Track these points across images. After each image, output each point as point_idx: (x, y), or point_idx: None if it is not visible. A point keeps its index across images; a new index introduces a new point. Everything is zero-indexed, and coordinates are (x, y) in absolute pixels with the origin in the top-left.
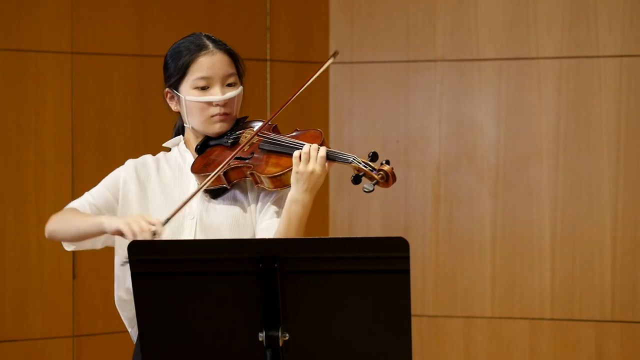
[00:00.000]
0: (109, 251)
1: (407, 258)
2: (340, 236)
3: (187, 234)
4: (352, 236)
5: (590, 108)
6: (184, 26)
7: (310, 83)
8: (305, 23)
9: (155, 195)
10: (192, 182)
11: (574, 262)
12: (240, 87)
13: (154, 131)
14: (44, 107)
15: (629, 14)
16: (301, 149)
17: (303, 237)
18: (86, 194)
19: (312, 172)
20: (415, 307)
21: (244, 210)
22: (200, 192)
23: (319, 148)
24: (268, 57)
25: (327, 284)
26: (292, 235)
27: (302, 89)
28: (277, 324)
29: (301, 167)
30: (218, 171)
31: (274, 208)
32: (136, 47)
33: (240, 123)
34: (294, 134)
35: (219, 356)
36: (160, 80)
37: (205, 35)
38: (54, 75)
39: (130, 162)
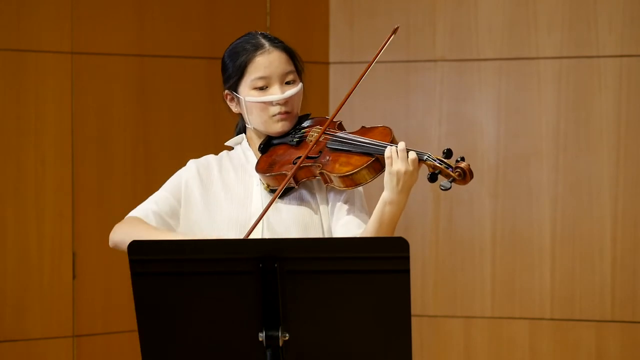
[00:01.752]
0: (109, 251)
1: (407, 258)
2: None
3: (254, 235)
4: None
5: (590, 108)
6: (184, 26)
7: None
8: (305, 23)
9: (219, 195)
10: (255, 181)
11: (574, 262)
12: (300, 84)
13: (154, 131)
14: (44, 107)
15: (629, 14)
16: (374, 147)
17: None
18: (149, 201)
19: (406, 172)
20: (415, 307)
21: (312, 210)
22: (267, 192)
23: (407, 149)
24: None
25: (327, 284)
26: (383, 235)
27: (365, 74)
28: (277, 324)
29: (394, 167)
30: (292, 173)
31: (346, 206)
32: (136, 47)
33: (303, 120)
34: (359, 132)
35: (219, 356)
36: (160, 80)
37: (260, 33)
38: (54, 75)
39: (192, 163)
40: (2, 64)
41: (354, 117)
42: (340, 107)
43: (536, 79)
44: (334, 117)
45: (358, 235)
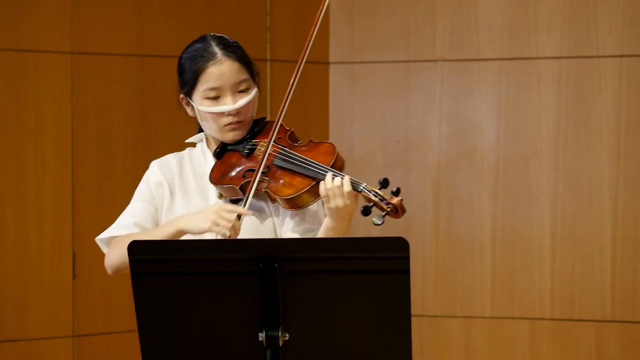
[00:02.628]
0: None
1: (407, 258)
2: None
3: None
4: (352, 236)
5: (590, 108)
6: (184, 26)
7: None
8: (305, 23)
9: (178, 202)
10: (212, 191)
11: (574, 262)
12: (254, 90)
13: (154, 131)
14: (44, 107)
15: (629, 14)
16: (317, 170)
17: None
18: (125, 215)
19: (344, 206)
20: (415, 307)
21: (264, 219)
22: (221, 200)
23: (342, 183)
24: (268, 57)
25: (327, 284)
26: None
27: (303, 60)
28: (277, 324)
29: (332, 204)
30: (250, 188)
31: (296, 221)
32: (136, 47)
33: (258, 125)
34: (306, 148)
35: (219, 356)
36: (160, 80)
37: (214, 39)
38: (54, 75)
39: (154, 165)
40: (2, 64)
41: (353, 117)
42: (281, 114)
43: (536, 79)
44: (278, 124)
45: None
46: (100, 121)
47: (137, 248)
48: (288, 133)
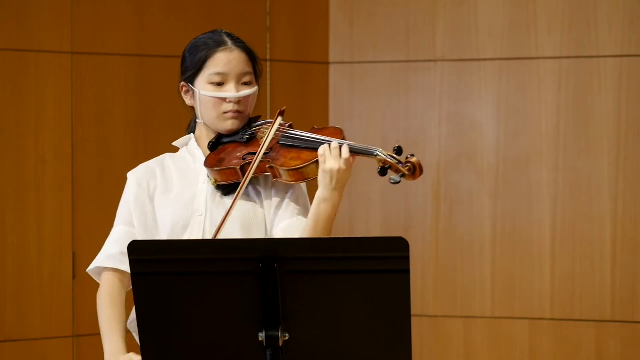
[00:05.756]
0: None
1: (407, 258)
2: (340, 236)
3: (196, 231)
4: (352, 236)
5: (590, 108)
6: (184, 26)
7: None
8: (305, 23)
9: (163, 200)
10: (201, 179)
11: (574, 262)
12: (256, 87)
13: (154, 131)
14: (44, 107)
15: (629, 14)
16: (323, 143)
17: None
18: (109, 245)
19: (339, 170)
20: (415, 307)
21: (257, 206)
22: (211, 188)
23: (340, 145)
24: (268, 57)
25: (327, 284)
26: (320, 235)
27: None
28: (277, 324)
29: (327, 164)
30: (255, 160)
31: (293, 206)
32: (136, 47)
33: (253, 122)
34: (310, 130)
35: (219, 356)
36: (160, 80)
37: (225, 32)
38: (54, 75)
39: (131, 177)
40: (2, 64)
41: (353, 117)
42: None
43: (536, 79)
44: (278, 117)
45: None
46: (100, 121)
47: (137, 248)
48: (287, 124)
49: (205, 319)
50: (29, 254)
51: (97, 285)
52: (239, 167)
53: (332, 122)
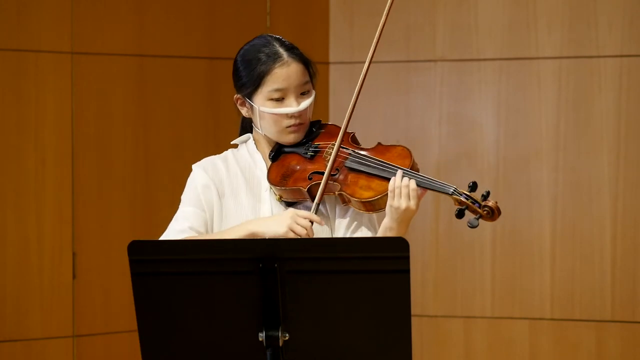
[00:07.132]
0: (109, 251)
1: (407, 258)
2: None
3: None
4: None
5: (590, 108)
6: (184, 26)
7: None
8: (305, 23)
9: (229, 202)
10: (263, 186)
11: (574, 262)
12: (314, 93)
13: (154, 131)
14: (44, 107)
15: (629, 14)
16: (393, 170)
17: None
18: (177, 222)
19: (406, 209)
20: (415, 307)
21: (326, 222)
22: (278, 202)
23: (413, 179)
24: None
25: (327, 284)
26: None
27: (368, 64)
28: (277, 324)
29: (395, 202)
30: (323, 188)
31: (365, 230)
32: (136, 47)
33: (314, 127)
34: (375, 150)
35: (219, 356)
36: (160, 80)
37: (276, 39)
38: (54, 75)
39: (198, 168)
40: (2, 64)
41: (353, 117)
42: (349, 118)
43: (536, 79)
44: (346, 126)
45: None
46: (100, 121)
47: (137, 248)
48: (350, 136)
49: (205, 319)
50: (29, 254)
51: (97, 285)
52: (305, 189)
53: (332, 122)
